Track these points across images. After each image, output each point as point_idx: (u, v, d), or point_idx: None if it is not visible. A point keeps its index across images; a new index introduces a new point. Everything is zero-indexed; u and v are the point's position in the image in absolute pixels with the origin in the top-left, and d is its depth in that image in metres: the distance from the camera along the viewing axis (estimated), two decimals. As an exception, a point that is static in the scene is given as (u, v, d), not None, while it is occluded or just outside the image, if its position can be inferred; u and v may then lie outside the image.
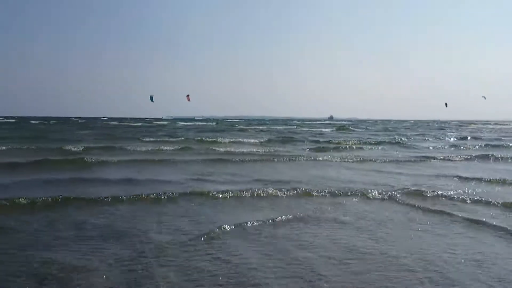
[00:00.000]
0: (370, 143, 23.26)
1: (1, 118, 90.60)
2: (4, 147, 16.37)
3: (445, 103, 39.63)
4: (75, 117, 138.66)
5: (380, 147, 21.04)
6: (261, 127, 52.68)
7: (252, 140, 24.47)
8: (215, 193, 7.73)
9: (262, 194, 7.80)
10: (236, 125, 60.68)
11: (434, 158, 15.28)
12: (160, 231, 5.44)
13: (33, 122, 68.81)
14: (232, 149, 18.04)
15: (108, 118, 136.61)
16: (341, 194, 7.91)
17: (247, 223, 5.75)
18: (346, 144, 22.48)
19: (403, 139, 27.92)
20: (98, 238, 5.15)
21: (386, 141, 25.47)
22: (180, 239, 5.06)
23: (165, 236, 5.22)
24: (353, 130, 46.70)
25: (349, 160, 14.15)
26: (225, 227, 5.52)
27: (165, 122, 76.23)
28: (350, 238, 5.26)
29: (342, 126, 56.69)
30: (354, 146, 21.11)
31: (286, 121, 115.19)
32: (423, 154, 16.73)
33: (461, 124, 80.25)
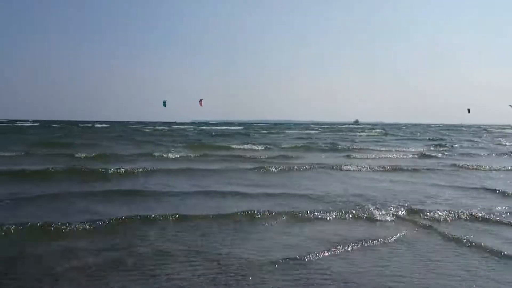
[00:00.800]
0: (426, 152, 19.95)
1: (28, 123, 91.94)
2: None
3: (468, 108, 40.24)
4: (98, 121, 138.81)
5: (432, 154, 18.58)
6: (292, 132, 51.12)
7: (288, 146, 23.41)
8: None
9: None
10: (262, 130, 58.29)
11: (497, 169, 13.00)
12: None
13: (55, 125, 68.74)
14: (269, 155, 16.93)
15: (135, 122, 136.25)
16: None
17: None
18: (392, 151, 20.20)
19: (454, 146, 25.18)
20: None
21: (439, 148, 22.84)
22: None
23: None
24: (392, 135, 43.74)
25: (404, 169, 12.54)
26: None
27: (188, 127, 74.82)
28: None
29: (379, 130, 54.98)
30: (405, 156, 18.15)
31: (309, 125, 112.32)
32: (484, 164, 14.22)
33: (490, 129, 75.17)
